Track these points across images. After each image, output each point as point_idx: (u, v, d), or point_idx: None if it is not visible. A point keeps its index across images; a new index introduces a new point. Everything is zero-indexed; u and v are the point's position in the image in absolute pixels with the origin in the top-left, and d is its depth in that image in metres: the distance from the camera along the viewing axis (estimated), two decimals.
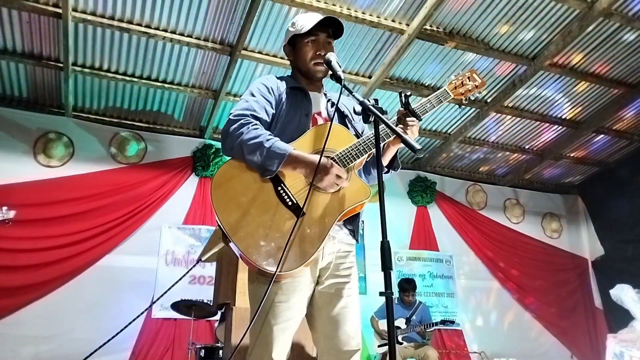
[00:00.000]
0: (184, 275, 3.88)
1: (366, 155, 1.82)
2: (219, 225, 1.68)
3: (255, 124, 1.76)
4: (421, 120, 1.92)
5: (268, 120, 1.84)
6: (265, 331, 1.69)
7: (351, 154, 1.78)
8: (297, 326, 1.76)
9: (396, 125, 1.86)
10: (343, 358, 1.76)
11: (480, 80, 2.14)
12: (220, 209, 1.67)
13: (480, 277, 7.66)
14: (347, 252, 1.87)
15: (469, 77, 2.12)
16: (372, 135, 1.79)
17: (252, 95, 1.88)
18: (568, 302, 8.04)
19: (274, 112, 1.88)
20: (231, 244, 1.65)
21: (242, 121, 1.75)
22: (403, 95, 1.85)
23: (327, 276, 1.81)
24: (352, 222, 1.89)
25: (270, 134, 1.76)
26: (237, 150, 1.73)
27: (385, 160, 1.95)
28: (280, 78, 2.02)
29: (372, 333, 5.84)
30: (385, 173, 1.97)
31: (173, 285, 3.57)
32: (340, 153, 1.78)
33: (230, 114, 1.80)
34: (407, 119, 1.87)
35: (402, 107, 1.88)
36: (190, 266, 3.74)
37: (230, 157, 1.79)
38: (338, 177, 1.71)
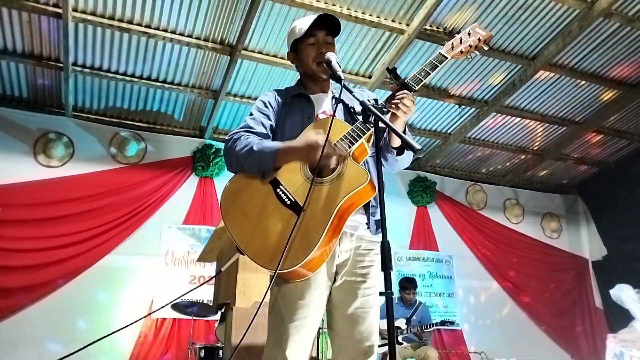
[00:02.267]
0: (199, 286, 3.88)
1: (363, 140, 1.75)
2: (230, 237, 1.73)
3: (247, 135, 1.81)
4: (416, 90, 1.82)
5: (266, 132, 1.87)
6: (280, 329, 1.69)
7: (345, 141, 1.75)
8: (315, 326, 1.73)
9: (387, 102, 1.80)
10: (355, 358, 1.74)
11: (483, 32, 1.91)
12: (228, 221, 1.73)
13: (480, 277, 7.66)
14: (368, 250, 1.82)
15: (469, 33, 1.92)
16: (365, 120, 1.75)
17: (250, 114, 1.94)
18: (568, 301, 8.05)
19: (272, 123, 1.91)
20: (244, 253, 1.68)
21: (235, 137, 1.82)
22: (389, 69, 1.80)
23: (343, 273, 1.78)
24: (367, 213, 1.84)
25: (260, 139, 1.80)
26: (236, 164, 1.80)
27: (396, 142, 1.86)
28: (284, 90, 2.04)
29: None
30: (399, 155, 1.88)
31: (183, 295, 3.53)
32: (336, 143, 1.74)
33: (229, 134, 1.87)
34: (397, 92, 1.78)
35: (394, 82, 1.81)
36: (202, 282, 3.69)
37: (235, 173, 1.84)
38: (332, 149, 1.66)
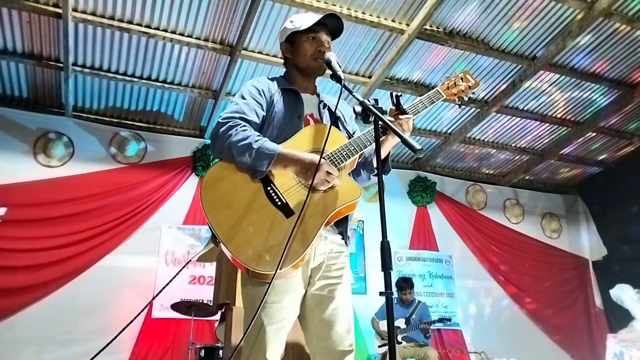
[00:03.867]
0: (176, 274, 3.89)
1: (357, 156, 1.82)
2: (209, 226, 1.69)
3: (244, 126, 1.77)
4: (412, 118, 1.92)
5: (258, 122, 1.86)
6: (259, 332, 1.69)
7: (342, 153, 1.78)
8: (290, 326, 1.76)
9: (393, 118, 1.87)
10: (336, 358, 1.76)
11: (473, 81, 2.13)
12: (209, 210, 1.68)
13: (480, 277, 7.65)
14: (339, 252, 1.87)
15: (462, 78, 2.11)
16: (362, 136, 1.81)
17: (243, 98, 1.89)
18: (568, 301, 8.04)
19: (264, 114, 1.89)
20: (221, 245, 1.65)
21: (230, 123, 1.76)
22: (394, 95, 1.86)
23: (318, 277, 1.80)
24: (341, 225, 1.88)
25: (259, 135, 1.77)
26: (227, 152, 1.74)
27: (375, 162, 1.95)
28: (272, 79, 2.03)
29: (373, 334, 5.84)
30: (374, 175, 1.96)
31: (167, 284, 3.56)
32: (332, 153, 1.78)
33: (220, 116, 1.82)
34: (400, 116, 1.87)
35: (393, 107, 1.89)
36: (183, 265, 3.73)
37: (220, 159, 1.80)
38: (328, 174, 1.70)
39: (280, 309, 1.71)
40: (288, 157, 1.73)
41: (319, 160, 1.68)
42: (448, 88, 2.07)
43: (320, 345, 1.79)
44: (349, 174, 1.88)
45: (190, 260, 3.38)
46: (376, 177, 1.95)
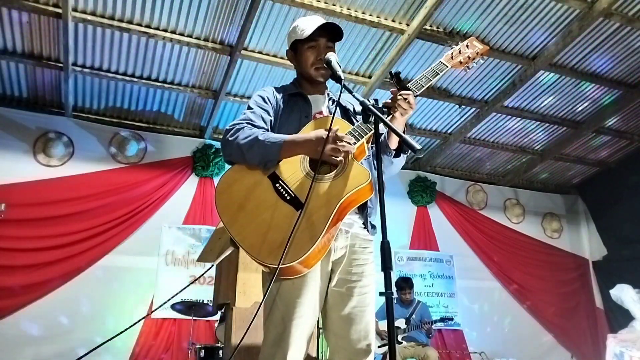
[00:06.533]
0: (195, 280, 3.87)
1: (364, 140, 1.77)
2: (227, 231, 1.70)
3: (250, 127, 1.80)
4: (417, 95, 1.87)
5: (266, 127, 1.87)
6: (278, 328, 1.67)
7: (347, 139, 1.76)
8: (312, 324, 1.72)
9: (391, 100, 1.83)
10: (353, 358, 1.74)
11: (481, 46, 2.02)
12: (224, 214, 1.70)
13: (480, 277, 7.65)
14: (362, 247, 1.83)
15: (467, 45, 2.02)
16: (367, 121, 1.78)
17: (249, 108, 1.93)
18: (568, 302, 8.04)
19: (271, 119, 1.91)
20: (239, 246, 1.66)
21: (237, 126, 1.81)
22: (393, 73, 1.83)
23: (339, 271, 1.78)
24: (362, 213, 1.86)
25: (263, 130, 1.80)
26: (237, 153, 1.76)
27: (394, 144, 1.90)
28: (281, 87, 2.05)
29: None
30: (395, 157, 1.92)
31: (180, 292, 3.54)
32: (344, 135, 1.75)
33: (227, 126, 1.85)
34: (403, 92, 1.82)
35: (395, 86, 1.84)
36: (205, 270, 3.69)
37: (232, 164, 1.82)
38: (337, 142, 1.67)
39: (300, 305, 1.68)
40: (295, 141, 1.73)
41: (328, 133, 1.65)
42: (452, 58, 1.99)
43: (337, 343, 1.77)
44: (361, 163, 1.83)
45: (212, 266, 3.37)
46: (399, 160, 1.94)
